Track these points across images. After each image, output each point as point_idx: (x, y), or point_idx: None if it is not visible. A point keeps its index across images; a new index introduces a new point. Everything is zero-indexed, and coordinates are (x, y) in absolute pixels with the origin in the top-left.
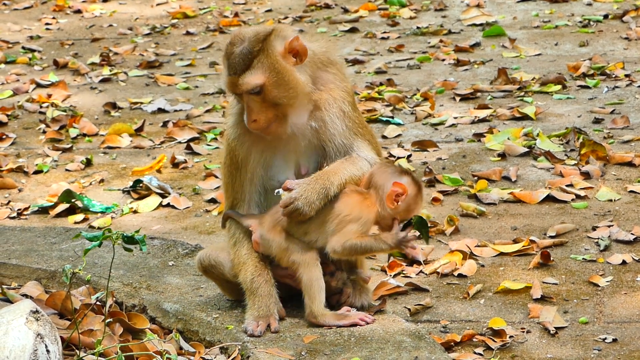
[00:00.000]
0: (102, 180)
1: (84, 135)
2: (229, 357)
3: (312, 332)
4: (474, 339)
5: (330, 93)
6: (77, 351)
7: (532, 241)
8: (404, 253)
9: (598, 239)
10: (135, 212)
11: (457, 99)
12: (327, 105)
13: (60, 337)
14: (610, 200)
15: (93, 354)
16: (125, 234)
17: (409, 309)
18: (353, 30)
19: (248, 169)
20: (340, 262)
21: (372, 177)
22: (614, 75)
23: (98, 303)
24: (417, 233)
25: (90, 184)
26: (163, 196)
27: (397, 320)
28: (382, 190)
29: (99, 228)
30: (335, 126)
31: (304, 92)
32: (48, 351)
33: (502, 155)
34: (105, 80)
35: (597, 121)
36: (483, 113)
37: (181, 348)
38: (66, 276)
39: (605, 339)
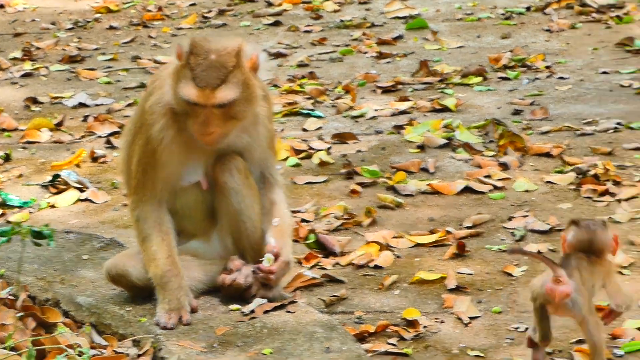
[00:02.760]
0: (20, 175)
1: (3, 130)
2: (141, 350)
3: (225, 324)
4: (388, 330)
5: (262, 108)
6: None
7: (449, 232)
8: None
9: (514, 229)
10: (53, 206)
11: (379, 91)
12: (259, 120)
13: None
14: (527, 191)
15: (4, 348)
16: (33, 229)
17: (324, 301)
18: (276, 23)
19: (165, 169)
20: (246, 257)
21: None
22: (534, 67)
23: (11, 297)
24: None
25: (9, 179)
26: (81, 190)
27: (309, 311)
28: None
29: (16, 223)
30: (260, 141)
31: (257, 108)
32: None
33: (421, 147)
34: (26, 75)
35: (517, 112)
36: (404, 105)
37: (94, 341)
38: None
39: (518, 328)
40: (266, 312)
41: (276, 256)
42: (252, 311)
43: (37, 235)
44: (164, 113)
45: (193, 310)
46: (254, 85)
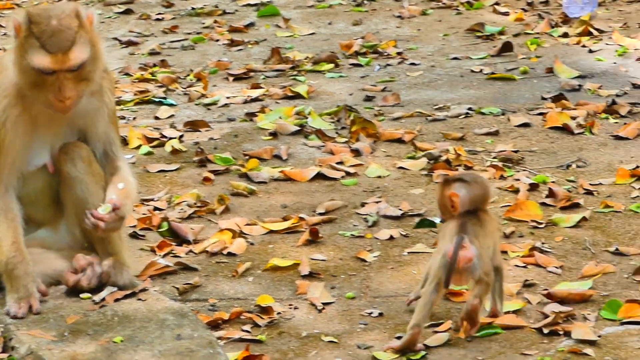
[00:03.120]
0: None
1: None
2: None
3: (76, 313)
4: (242, 317)
5: (105, 80)
6: None
7: (302, 218)
8: None
9: (366, 215)
10: None
11: (231, 79)
12: (105, 90)
13: None
14: (380, 177)
15: None
16: None
17: (178, 288)
18: (128, 12)
19: (10, 152)
20: (96, 248)
21: None
22: (386, 54)
23: None
24: None
25: None
26: None
27: (161, 299)
28: None
29: None
30: (104, 114)
31: (100, 64)
32: None
33: (274, 134)
34: None
35: (369, 99)
36: (256, 93)
37: None
38: None
39: (372, 313)
40: (117, 300)
41: (114, 209)
42: (103, 299)
43: None
44: (6, 94)
45: (44, 295)
46: (98, 43)
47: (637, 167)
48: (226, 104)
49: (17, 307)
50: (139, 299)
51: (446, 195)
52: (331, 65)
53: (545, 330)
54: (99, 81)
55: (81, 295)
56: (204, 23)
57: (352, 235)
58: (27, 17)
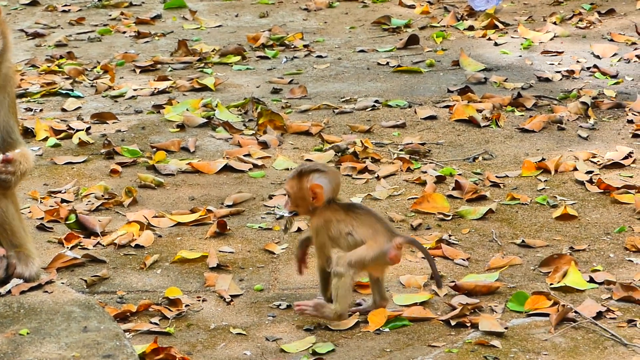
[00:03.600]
0: None
1: None
2: None
3: None
4: (150, 309)
5: (11, 69)
6: None
7: (210, 211)
8: None
9: (274, 207)
10: None
11: (138, 71)
12: (9, 82)
13: None
14: (287, 169)
15: None
16: None
17: (86, 281)
18: (34, 3)
19: None
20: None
21: None
22: (292, 46)
23: None
24: None
25: None
26: None
27: (67, 291)
28: None
29: None
30: (5, 104)
31: (8, 55)
32: None
33: (182, 127)
34: None
35: (276, 91)
36: (163, 85)
37: None
38: None
39: (280, 305)
40: (23, 292)
41: (5, 160)
42: (9, 291)
43: None
44: None
45: None
46: (8, 35)
47: (543, 159)
48: (133, 96)
49: None
50: (45, 291)
51: (306, 187)
52: (238, 58)
53: (453, 322)
54: (6, 72)
55: None
56: (110, 15)
57: (260, 227)
58: None
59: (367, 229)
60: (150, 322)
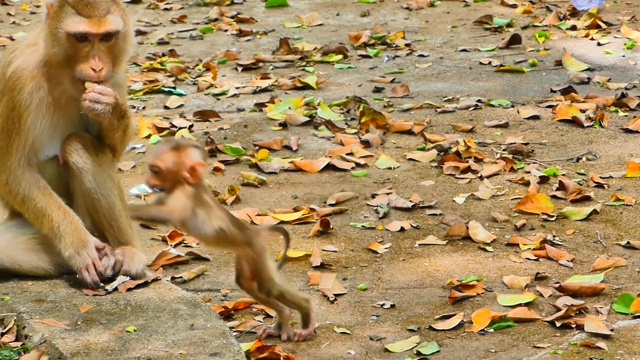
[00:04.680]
0: None
1: None
2: (4, 328)
3: (88, 302)
4: (253, 307)
5: (123, 73)
6: None
7: (312, 209)
8: None
9: (377, 206)
10: None
11: (239, 69)
12: (123, 82)
13: None
14: (390, 168)
15: None
16: None
17: (189, 278)
18: (136, 1)
19: (30, 133)
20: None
21: None
22: (394, 45)
23: None
24: None
25: None
26: None
27: (173, 288)
28: None
29: None
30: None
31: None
32: None
33: (284, 125)
34: None
35: (378, 90)
36: (265, 83)
37: None
38: None
39: (384, 304)
40: (130, 289)
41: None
42: (116, 289)
43: None
44: (33, 76)
45: (100, 250)
46: (129, 24)
47: None
48: (235, 94)
49: (85, 273)
50: (152, 289)
51: (185, 163)
52: (340, 57)
53: (558, 324)
54: (123, 76)
55: None
56: (211, 13)
57: (363, 226)
58: None
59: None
60: (254, 320)
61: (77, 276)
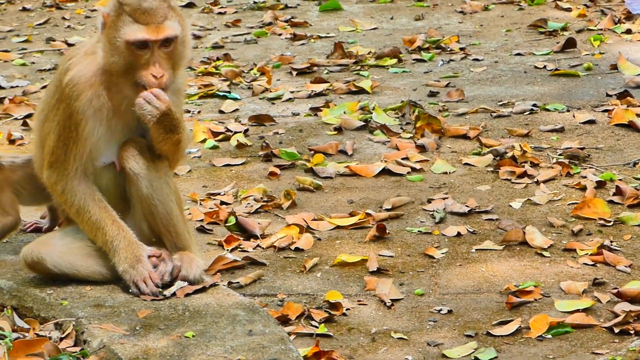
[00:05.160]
0: None
1: None
2: (63, 333)
3: (147, 307)
4: (311, 312)
5: (184, 76)
6: None
7: (368, 214)
8: None
9: (433, 211)
10: None
11: (294, 73)
12: (182, 89)
13: None
14: (445, 173)
15: None
16: None
17: (246, 283)
18: (190, 5)
19: (88, 142)
20: (164, 241)
21: None
22: (449, 49)
23: None
24: None
25: None
26: None
27: (231, 294)
28: None
29: None
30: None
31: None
32: None
33: (339, 129)
34: None
35: (433, 94)
36: (319, 87)
37: (15, 325)
38: None
39: (441, 310)
40: (188, 294)
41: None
42: (174, 294)
43: None
44: (91, 84)
45: (157, 257)
46: (187, 28)
47: None
48: (290, 99)
49: (142, 284)
50: (209, 294)
51: None
52: (394, 61)
53: (616, 330)
54: (183, 81)
55: None
56: (265, 17)
57: (419, 231)
58: (118, 3)
59: None
60: (311, 325)
61: (130, 290)
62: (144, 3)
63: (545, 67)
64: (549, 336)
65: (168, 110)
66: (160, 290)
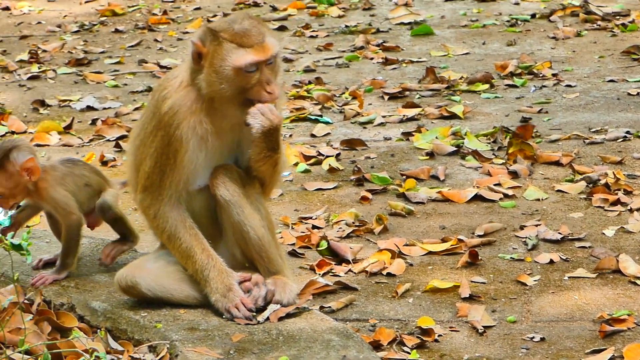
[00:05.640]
0: None
1: (13, 132)
2: (157, 356)
3: (240, 331)
4: (403, 338)
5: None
6: (4, 349)
7: (461, 240)
8: None
9: (526, 238)
10: None
11: (386, 97)
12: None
13: None
14: (538, 200)
15: (19, 352)
16: (13, 242)
17: (338, 308)
18: (282, 28)
19: (185, 169)
20: (256, 266)
21: None
22: (541, 75)
23: (26, 301)
24: None
25: None
26: None
27: (325, 319)
28: None
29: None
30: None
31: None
32: None
33: (431, 154)
34: (33, 78)
35: (525, 120)
36: (411, 112)
37: (110, 346)
38: None
39: (533, 337)
40: (281, 319)
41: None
42: (267, 318)
43: (17, 247)
44: (192, 111)
45: (247, 281)
46: (278, 44)
47: None
48: (382, 123)
49: (233, 309)
50: (303, 319)
51: (19, 172)
52: (486, 86)
53: None
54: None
55: None
56: (356, 41)
57: (511, 258)
58: (210, 31)
59: (96, 176)
60: (403, 351)
61: (224, 316)
62: (237, 26)
63: (638, 93)
64: None
65: (278, 124)
66: (254, 314)
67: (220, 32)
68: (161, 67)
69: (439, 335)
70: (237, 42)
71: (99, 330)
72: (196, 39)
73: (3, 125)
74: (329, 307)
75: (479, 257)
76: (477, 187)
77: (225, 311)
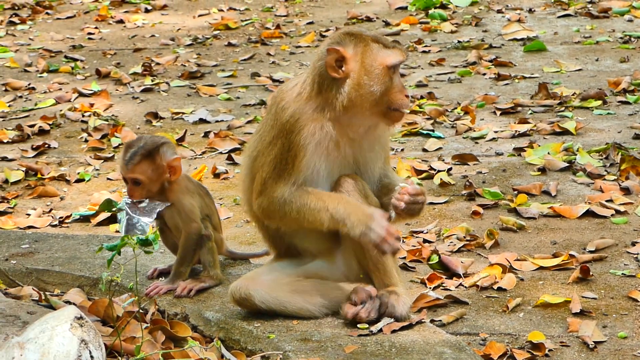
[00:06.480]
0: None
1: None
2: None
3: (353, 342)
4: (514, 352)
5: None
6: (120, 358)
7: (572, 256)
8: None
9: (638, 254)
10: None
11: (498, 113)
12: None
13: (104, 343)
14: None
15: None
16: (139, 238)
17: (448, 322)
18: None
19: (301, 175)
20: (372, 278)
21: None
22: None
23: (141, 311)
24: None
25: None
26: None
27: (437, 331)
28: None
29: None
30: (382, 156)
31: None
32: (92, 357)
33: (542, 170)
34: (147, 90)
35: (638, 137)
36: (523, 127)
37: (223, 356)
38: (103, 284)
39: None
40: (394, 331)
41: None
42: (380, 330)
43: (144, 243)
44: (314, 118)
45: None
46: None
47: None
48: (494, 138)
49: (386, 246)
50: (416, 331)
51: (164, 166)
52: (599, 102)
53: None
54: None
55: (359, 325)
56: (469, 56)
57: (623, 274)
58: (351, 34)
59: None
60: None
61: (342, 316)
62: (368, 32)
63: None
64: None
65: (424, 198)
66: (367, 326)
67: (364, 35)
68: (274, 80)
69: (550, 350)
70: (381, 42)
71: (213, 340)
72: (334, 45)
73: (116, 137)
74: (440, 320)
75: (590, 273)
76: (589, 202)
77: (375, 247)
